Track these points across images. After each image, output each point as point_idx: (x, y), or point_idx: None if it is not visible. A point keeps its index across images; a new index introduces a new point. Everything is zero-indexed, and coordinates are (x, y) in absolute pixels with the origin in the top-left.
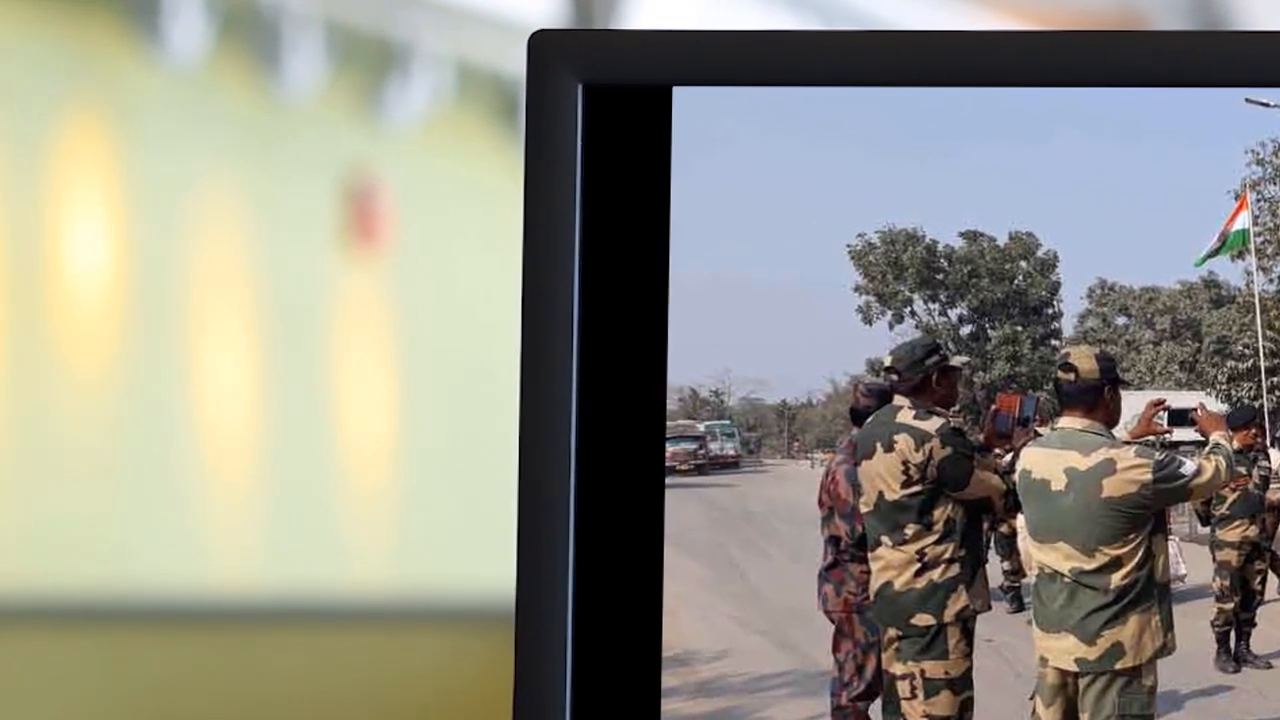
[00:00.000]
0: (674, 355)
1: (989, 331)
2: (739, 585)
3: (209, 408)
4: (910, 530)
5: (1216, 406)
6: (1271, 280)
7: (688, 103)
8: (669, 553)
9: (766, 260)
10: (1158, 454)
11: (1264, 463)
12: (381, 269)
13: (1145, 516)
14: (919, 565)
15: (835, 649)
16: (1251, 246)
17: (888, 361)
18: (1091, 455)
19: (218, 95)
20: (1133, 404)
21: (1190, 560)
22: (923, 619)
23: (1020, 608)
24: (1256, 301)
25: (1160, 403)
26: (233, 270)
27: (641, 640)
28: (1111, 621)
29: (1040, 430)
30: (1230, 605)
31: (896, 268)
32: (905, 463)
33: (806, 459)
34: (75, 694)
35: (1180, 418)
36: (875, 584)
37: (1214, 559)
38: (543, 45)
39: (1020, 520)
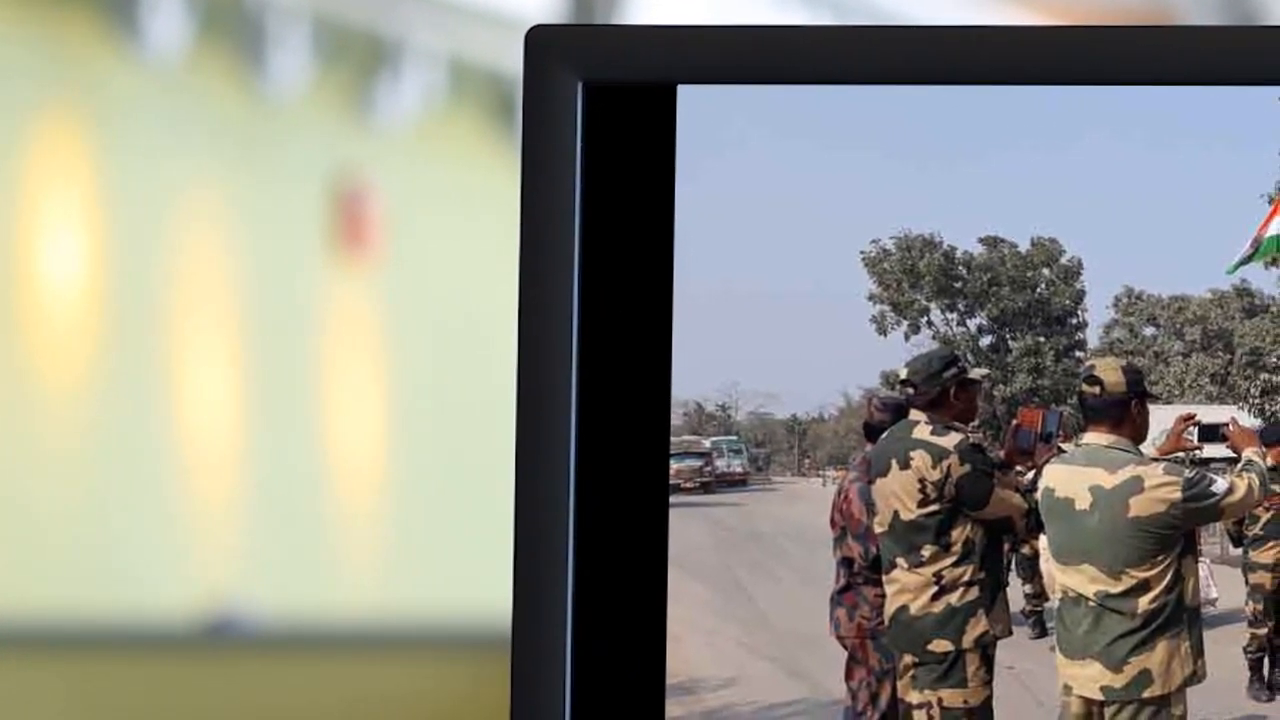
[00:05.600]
0: (678, 368)
1: (1010, 343)
2: (746, 609)
3: (190, 422)
4: (927, 551)
5: (1249, 421)
6: None
7: (694, 102)
8: (673, 575)
9: (776, 268)
10: (1187, 471)
11: None
12: (371, 277)
13: (1174, 537)
14: (936, 588)
15: (848, 676)
16: None
17: (903, 374)
18: (1118, 473)
19: (199, 94)
20: (1161, 419)
21: (1222, 583)
22: (940, 645)
23: (1043, 633)
24: None
25: (1190, 417)
26: (215, 278)
27: (644, 667)
28: (1139, 648)
29: (1064, 446)
30: (1264, 630)
31: (912, 275)
32: (922, 480)
33: (818, 477)
34: None
35: (1211, 433)
36: (890, 608)
37: (1247, 582)
38: (540, 41)
39: (1043, 541)
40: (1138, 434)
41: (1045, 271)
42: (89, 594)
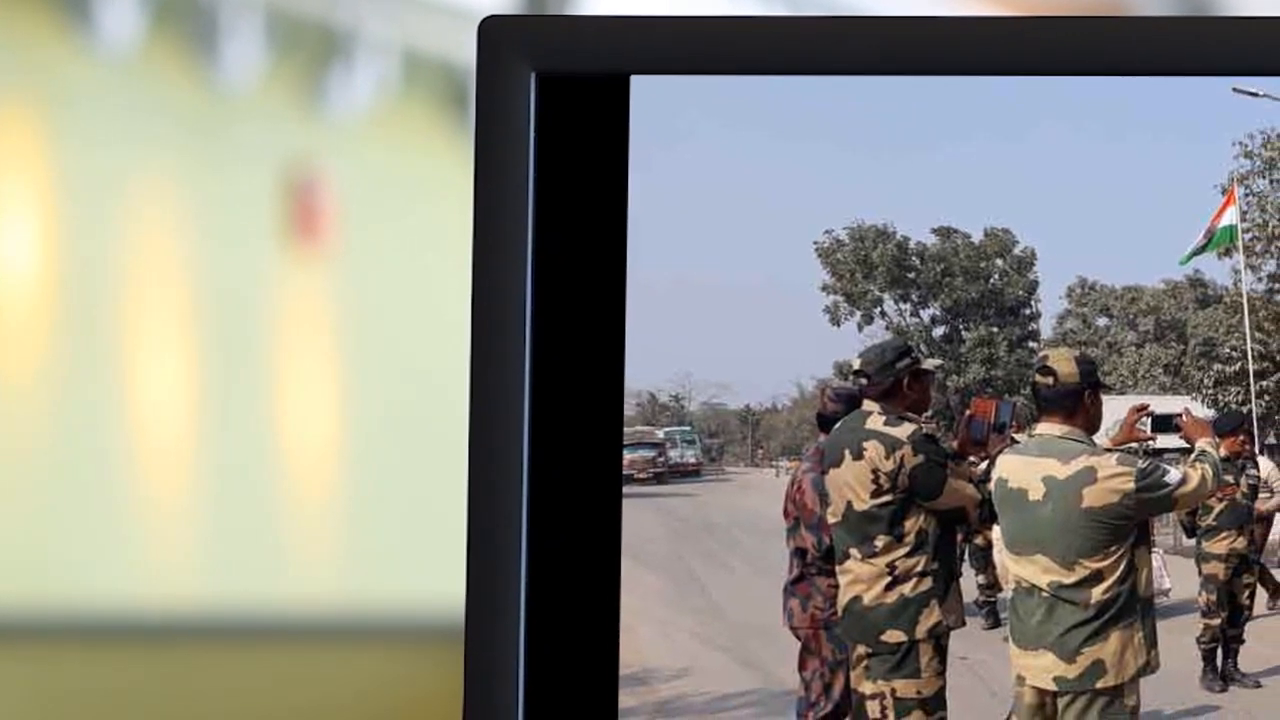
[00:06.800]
0: (632, 358)
1: (963, 333)
2: (700, 600)
3: (143, 414)
4: (880, 542)
5: (1202, 412)
6: (1260, 279)
7: (647, 92)
8: (626, 565)
9: (729, 259)
10: (1140, 462)
11: (1252, 471)
12: (324, 268)
13: (1127, 528)
14: (889, 579)
15: (801, 667)
16: (1239, 243)
17: (856, 364)
18: (1071, 463)
19: (152, 85)
20: (1114, 409)
21: (1175, 573)
22: (893, 635)
23: (996, 624)
24: (1244, 301)
25: (1143, 408)
26: (168, 269)
27: (597, 657)
28: (1092, 638)
29: (1017, 437)
30: (1217, 621)
31: (866, 266)
32: (875, 471)
33: (771, 467)
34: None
35: (1164, 423)
36: (843, 599)
37: (1200, 572)
38: (493, 31)
39: (996, 532)
40: (1091, 424)
41: (999, 262)
42: (41, 587)
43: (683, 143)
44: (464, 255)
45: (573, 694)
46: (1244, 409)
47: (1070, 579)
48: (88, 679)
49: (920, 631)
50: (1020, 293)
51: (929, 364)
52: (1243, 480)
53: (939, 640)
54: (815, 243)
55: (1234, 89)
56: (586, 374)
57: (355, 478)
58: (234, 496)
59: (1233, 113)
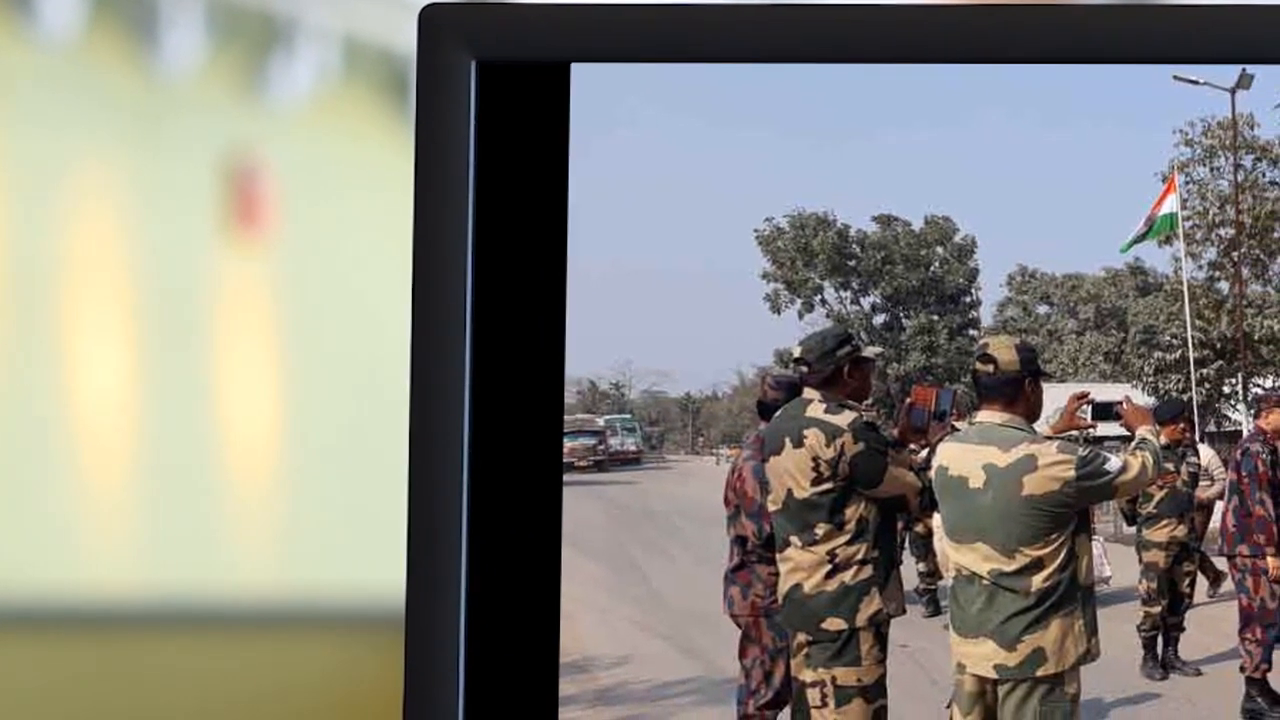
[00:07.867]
0: (572, 346)
1: (903, 321)
2: (640, 588)
3: (82, 403)
4: (821, 530)
5: (1143, 399)
6: (1200, 267)
7: (587, 80)
8: (567, 553)
9: (670, 247)
10: (1081, 450)
11: (1193, 459)
12: (264, 255)
13: (1068, 515)
14: (830, 567)
15: (742, 655)
16: (1180, 231)
17: (797, 352)
18: (1011, 451)
19: (92, 72)
20: (1055, 397)
21: (1116, 561)
22: (834, 623)
23: (936, 611)
24: (1185, 289)
25: (1084, 396)
26: (107, 257)
27: (538, 645)
28: (1032, 626)
29: (958, 425)
30: (1157, 609)
31: (806, 254)
32: (816, 459)
33: (711, 455)
34: None
35: (1105, 411)
36: (784, 586)
37: (1140, 560)
38: (434, 19)
39: (937, 520)
40: (1031, 412)
41: (939, 250)
42: None
43: (623, 130)
44: (405, 243)
45: (513, 682)
46: (1184, 396)
47: (1011, 567)
48: (27, 668)
49: (861, 619)
50: (961, 280)
51: (869, 351)
52: (1183, 468)
53: (879, 628)
54: (756, 230)
55: (1174, 77)
56: (527, 361)
57: (296, 468)
58: (174, 486)
59: (1173, 100)
